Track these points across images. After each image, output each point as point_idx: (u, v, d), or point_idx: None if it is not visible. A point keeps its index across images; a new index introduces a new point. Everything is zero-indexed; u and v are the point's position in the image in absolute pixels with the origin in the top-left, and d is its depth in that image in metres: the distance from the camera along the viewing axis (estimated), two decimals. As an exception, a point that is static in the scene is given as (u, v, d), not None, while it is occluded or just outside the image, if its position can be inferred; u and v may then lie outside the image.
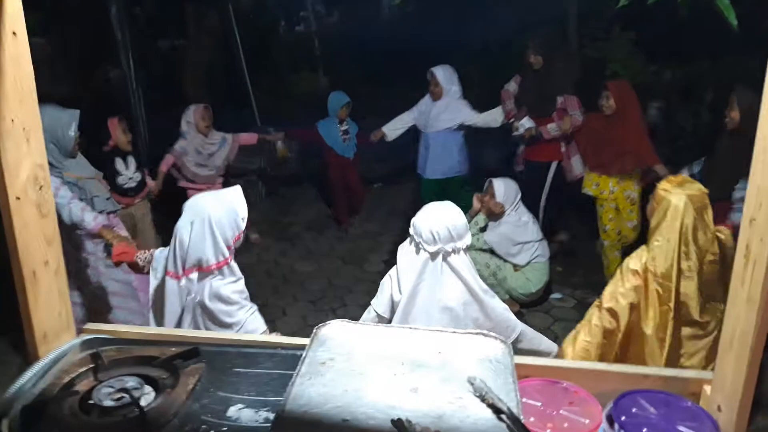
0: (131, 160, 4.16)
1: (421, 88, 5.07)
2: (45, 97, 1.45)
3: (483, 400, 1.22)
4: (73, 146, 3.19)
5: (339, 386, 1.28)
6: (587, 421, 1.35)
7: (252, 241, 5.23)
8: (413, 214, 2.46)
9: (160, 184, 4.46)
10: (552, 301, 4.45)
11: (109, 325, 1.67)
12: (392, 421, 1.16)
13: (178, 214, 2.33)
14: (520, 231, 4.27)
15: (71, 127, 3.13)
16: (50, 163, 2.73)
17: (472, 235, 4.31)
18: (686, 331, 2.37)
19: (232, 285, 2.32)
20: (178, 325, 2.29)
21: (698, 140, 5.94)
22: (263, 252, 5.29)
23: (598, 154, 4.42)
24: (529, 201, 4.48)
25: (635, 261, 2.36)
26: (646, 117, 6.26)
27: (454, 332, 1.47)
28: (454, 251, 2.36)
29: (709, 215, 2.35)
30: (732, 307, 1.25)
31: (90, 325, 1.67)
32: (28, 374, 1.37)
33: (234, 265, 2.34)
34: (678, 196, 2.29)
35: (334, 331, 1.47)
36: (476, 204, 4.29)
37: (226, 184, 4.67)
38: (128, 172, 4.12)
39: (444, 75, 4.86)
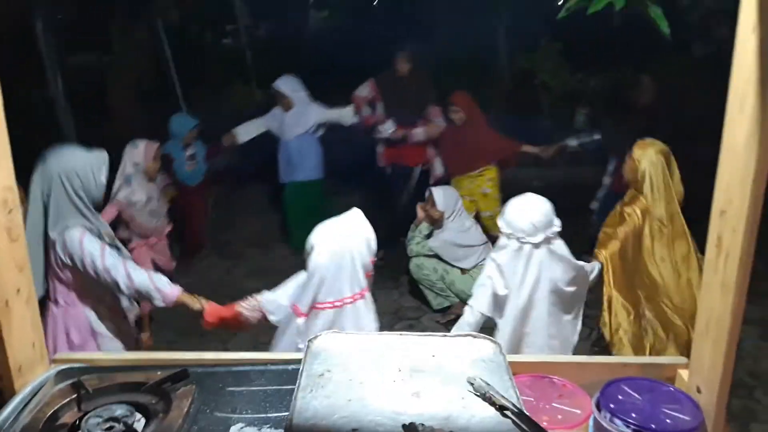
0: None
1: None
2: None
3: (485, 398, 1.26)
4: (101, 195, 2.60)
5: (342, 397, 1.28)
6: (579, 411, 1.41)
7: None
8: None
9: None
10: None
11: (81, 354, 1.60)
12: (404, 426, 1.17)
13: None
14: (463, 236, 4.39)
15: (102, 172, 2.55)
16: (83, 215, 2.46)
17: (417, 242, 4.44)
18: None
19: (372, 315, 2.32)
20: None
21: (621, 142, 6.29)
22: (208, 270, 5.16)
23: (459, 160, 4.93)
24: (395, 202, 5.12)
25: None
26: (573, 123, 6.59)
27: (444, 335, 1.50)
28: (553, 235, 2.51)
29: (674, 163, 3.10)
30: (706, 294, 1.34)
31: (60, 355, 1.59)
32: (7, 410, 1.30)
33: (369, 294, 2.32)
34: (651, 151, 3.07)
35: (327, 342, 1.47)
36: (420, 213, 4.41)
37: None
38: None
39: (288, 86, 5.02)
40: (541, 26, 6.75)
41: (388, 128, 5.00)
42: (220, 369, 1.48)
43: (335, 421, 1.20)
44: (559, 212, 2.57)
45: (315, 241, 2.25)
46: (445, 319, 4.38)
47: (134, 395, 1.37)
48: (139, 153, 3.83)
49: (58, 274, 2.52)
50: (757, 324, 4.02)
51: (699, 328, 1.37)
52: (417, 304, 4.65)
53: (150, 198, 3.93)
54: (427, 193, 4.41)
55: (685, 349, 2.83)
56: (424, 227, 4.45)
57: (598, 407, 1.39)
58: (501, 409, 1.23)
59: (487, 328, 2.62)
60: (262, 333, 4.19)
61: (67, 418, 1.32)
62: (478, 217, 4.84)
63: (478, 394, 1.27)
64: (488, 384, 1.28)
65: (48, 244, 2.46)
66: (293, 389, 1.29)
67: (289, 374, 1.47)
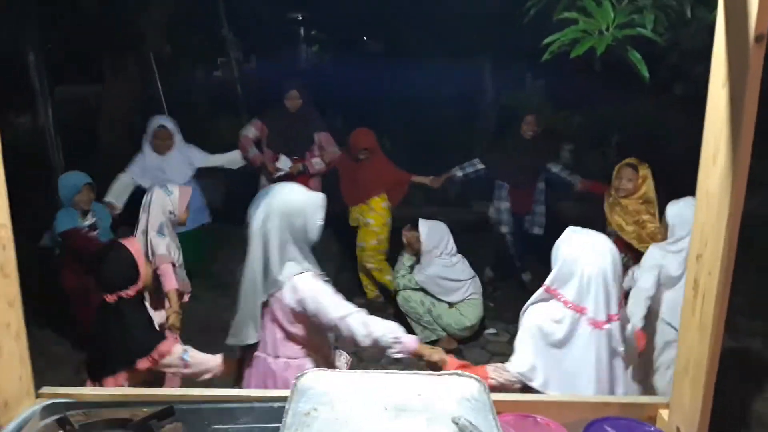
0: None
1: (343, 132, 5.22)
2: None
3: (470, 438, 1.27)
4: (316, 238, 2.38)
5: (328, 435, 1.29)
6: (562, 451, 1.42)
7: None
8: None
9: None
10: (487, 336, 4.59)
11: (66, 388, 1.59)
12: (389, 465, 1.18)
13: None
14: (449, 271, 4.42)
15: (319, 215, 2.32)
16: (307, 259, 2.23)
17: (403, 275, 4.47)
18: None
19: None
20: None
21: (607, 179, 6.41)
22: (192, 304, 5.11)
23: (352, 190, 5.00)
24: None
25: None
26: (559, 159, 6.71)
27: (430, 374, 1.52)
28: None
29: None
30: (685, 335, 1.38)
31: (45, 389, 1.58)
32: (-7, 446, 1.29)
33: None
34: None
35: (313, 380, 1.48)
36: (404, 238, 4.48)
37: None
38: None
39: (172, 124, 4.66)
40: (526, 65, 6.94)
41: (285, 165, 4.86)
42: (206, 406, 1.49)
43: (321, 460, 1.21)
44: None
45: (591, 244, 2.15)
46: (432, 353, 4.37)
47: (120, 432, 1.38)
48: (174, 200, 3.43)
49: (282, 322, 2.24)
50: (738, 361, 4.07)
51: (678, 368, 1.41)
52: (404, 338, 4.65)
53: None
54: (412, 225, 4.45)
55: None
56: (407, 258, 4.49)
57: (581, 447, 1.41)
58: (485, 448, 1.24)
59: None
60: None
61: (52, 455, 1.32)
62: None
63: (463, 433, 1.29)
64: (472, 423, 1.30)
65: (266, 287, 2.22)
66: (279, 427, 1.30)
67: (274, 412, 1.48)
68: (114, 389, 1.87)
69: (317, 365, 2.27)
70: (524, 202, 5.13)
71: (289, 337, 2.27)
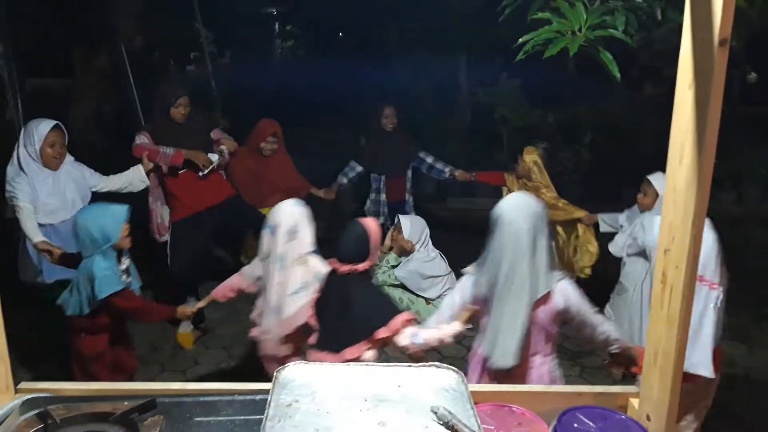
0: None
1: (320, 128, 5.22)
2: None
3: (448, 427, 1.31)
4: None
5: (309, 426, 1.32)
6: (537, 439, 1.47)
7: None
8: None
9: None
10: (463, 332, 4.64)
11: (46, 384, 1.58)
12: (370, 454, 1.21)
13: None
14: (428, 266, 4.46)
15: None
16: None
17: (383, 272, 4.49)
18: None
19: None
20: None
21: (581, 176, 6.54)
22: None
23: (259, 190, 4.71)
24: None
25: None
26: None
27: (409, 366, 1.55)
28: None
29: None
30: (653, 327, 1.44)
31: (24, 384, 1.58)
32: (-28, 442, 1.29)
33: None
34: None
35: (294, 373, 1.50)
36: (387, 240, 4.46)
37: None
38: None
39: (58, 137, 3.64)
40: (501, 63, 7.02)
41: (215, 158, 4.40)
42: (188, 399, 1.50)
43: (304, 450, 1.24)
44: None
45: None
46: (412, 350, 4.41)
47: (101, 425, 1.38)
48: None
49: (544, 324, 2.38)
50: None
51: (647, 359, 1.47)
52: (381, 334, 4.68)
53: None
54: (396, 220, 4.48)
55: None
56: (392, 258, 4.49)
57: (555, 435, 1.46)
58: (463, 437, 1.28)
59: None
60: (225, 360, 4.22)
61: (34, 449, 1.32)
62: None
63: (442, 422, 1.32)
64: (451, 413, 1.34)
65: (535, 293, 2.30)
66: (261, 419, 1.32)
67: (256, 404, 1.50)
68: (94, 383, 1.86)
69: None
70: (398, 191, 5.30)
71: (547, 337, 2.43)
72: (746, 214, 6.16)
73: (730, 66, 1.22)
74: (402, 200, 5.35)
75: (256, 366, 3.09)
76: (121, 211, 2.93)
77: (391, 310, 2.54)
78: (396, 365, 1.56)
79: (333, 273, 2.55)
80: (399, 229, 4.39)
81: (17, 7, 5.42)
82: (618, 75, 2.93)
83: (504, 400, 1.62)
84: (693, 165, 1.24)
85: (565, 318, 2.40)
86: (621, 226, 4.07)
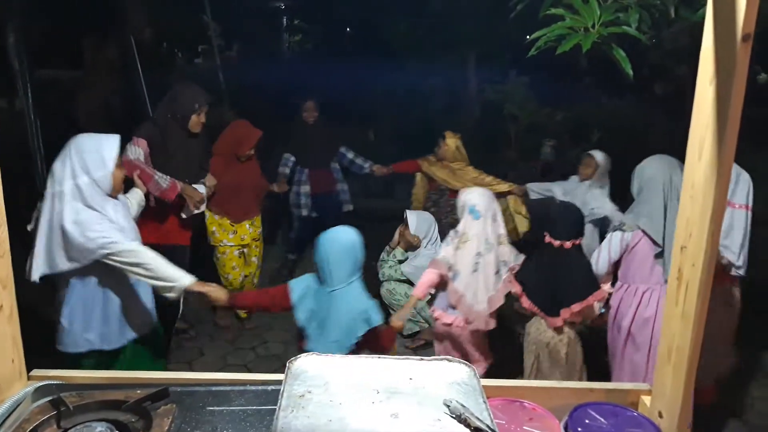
0: None
1: (327, 121, 5.24)
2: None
3: (461, 420, 1.31)
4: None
5: (322, 417, 1.32)
6: (548, 434, 1.47)
7: None
8: None
9: None
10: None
11: (58, 371, 1.59)
12: (384, 446, 1.21)
13: None
14: (435, 263, 4.45)
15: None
16: None
17: (390, 266, 4.49)
18: None
19: None
20: None
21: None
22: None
23: (226, 194, 4.22)
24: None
25: None
26: (540, 155, 6.79)
27: (421, 359, 1.55)
28: None
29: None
30: (667, 324, 1.43)
31: (36, 371, 1.58)
32: (-14, 426, 1.29)
33: None
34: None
35: (306, 364, 1.50)
36: (396, 235, 4.45)
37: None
38: None
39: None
40: (510, 61, 7.00)
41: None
42: (200, 388, 1.50)
43: (317, 441, 1.24)
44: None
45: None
46: (415, 344, 4.42)
47: (114, 413, 1.39)
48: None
49: None
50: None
51: (661, 355, 1.46)
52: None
53: None
54: (404, 215, 4.47)
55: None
56: (398, 252, 4.48)
57: (567, 430, 1.46)
58: (476, 430, 1.28)
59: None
60: (230, 355, 4.23)
61: (47, 435, 1.32)
62: None
63: (454, 416, 1.32)
64: (464, 406, 1.33)
65: None
66: (273, 409, 1.32)
67: (268, 395, 1.51)
68: (106, 372, 1.87)
69: None
70: (324, 183, 5.32)
71: None
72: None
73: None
74: (330, 192, 5.36)
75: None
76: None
77: (595, 279, 3.08)
78: (408, 358, 1.56)
79: (550, 247, 3.04)
80: (406, 224, 4.38)
81: (27, -2, 5.43)
82: (631, 72, 2.91)
83: (515, 395, 1.61)
84: (712, 161, 1.23)
85: None
86: (549, 191, 4.63)
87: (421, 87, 7.75)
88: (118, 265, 2.45)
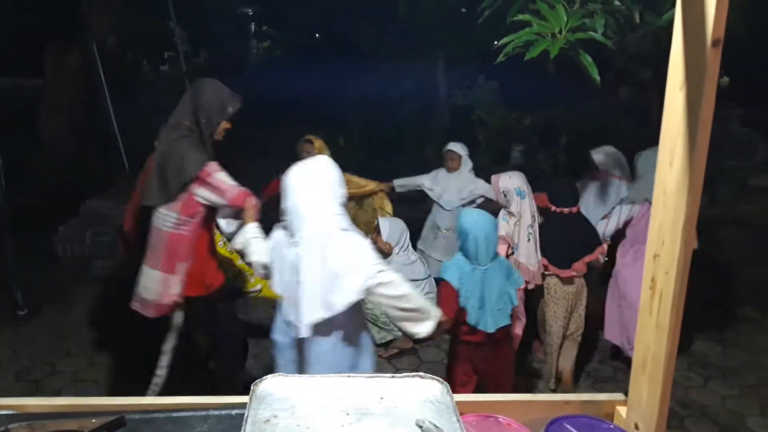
0: None
1: (298, 128, 5.14)
2: None
3: (434, 441, 1.26)
4: None
5: (289, 443, 1.26)
6: (524, 450, 1.43)
7: None
8: None
9: None
10: (443, 336, 4.61)
11: (9, 399, 1.49)
12: (354, 472, 1.15)
13: None
14: (407, 270, 4.39)
15: None
16: None
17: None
18: None
19: None
20: None
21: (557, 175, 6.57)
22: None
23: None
24: None
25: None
26: (510, 159, 6.82)
27: (393, 377, 1.49)
28: None
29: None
30: (642, 334, 1.40)
31: (-16, 401, 1.49)
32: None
33: None
34: None
35: (272, 386, 1.44)
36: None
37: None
38: None
39: None
40: (479, 66, 7.02)
41: None
42: (159, 415, 1.43)
43: (283, 469, 1.17)
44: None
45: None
46: (388, 353, 4.36)
47: (67, 446, 1.30)
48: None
49: None
50: (686, 355, 4.24)
51: (636, 366, 1.43)
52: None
53: None
54: (376, 224, 4.41)
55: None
56: None
57: (542, 446, 1.42)
58: (449, 451, 1.23)
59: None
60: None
61: (-8, 472, 1.23)
62: None
63: (427, 436, 1.28)
64: (437, 426, 1.29)
65: None
66: (237, 435, 1.26)
67: (232, 420, 1.44)
68: (60, 399, 1.77)
69: None
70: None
71: None
72: (720, 215, 6.24)
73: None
74: None
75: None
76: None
77: (598, 237, 3.73)
78: (378, 376, 1.51)
79: (557, 215, 3.69)
80: (378, 232, 4.32)
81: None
82: (598, 78, 2.92)
83: (489, 410, 1.57)
84: (684, 168, 1.21)
85: None
86: (419, 185, 4.90)
87: (391, 92, 7.72)
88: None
